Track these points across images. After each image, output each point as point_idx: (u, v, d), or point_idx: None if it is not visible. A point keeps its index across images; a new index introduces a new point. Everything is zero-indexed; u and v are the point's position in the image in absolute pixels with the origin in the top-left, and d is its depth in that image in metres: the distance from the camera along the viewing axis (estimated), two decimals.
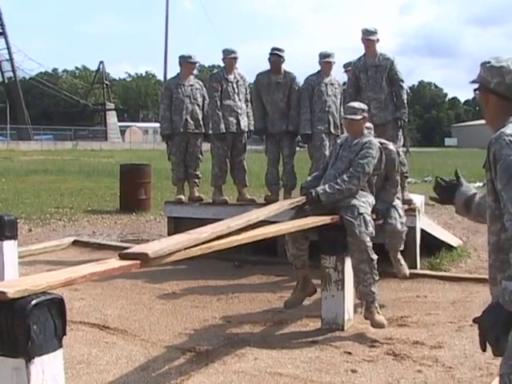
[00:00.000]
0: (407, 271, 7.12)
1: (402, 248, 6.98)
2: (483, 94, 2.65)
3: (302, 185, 6.49)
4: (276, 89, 9.07)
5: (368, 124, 6.71)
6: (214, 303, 7.02)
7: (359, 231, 5.88)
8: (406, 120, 8.65)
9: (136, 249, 3.81)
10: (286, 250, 6.29)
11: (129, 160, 26.49)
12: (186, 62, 9.63)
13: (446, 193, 3.17)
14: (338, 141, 6.64)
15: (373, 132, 6.81)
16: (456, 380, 4.75)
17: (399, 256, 7.04)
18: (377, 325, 5.97)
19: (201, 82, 9.80)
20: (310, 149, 9.11)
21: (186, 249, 3.98)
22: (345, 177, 6.13)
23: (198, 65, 9.88)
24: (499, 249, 2.43)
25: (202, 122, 9.61)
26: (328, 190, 6.06)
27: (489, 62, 2.63)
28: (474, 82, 2.67)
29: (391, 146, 7.11)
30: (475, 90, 2.69)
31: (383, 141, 7.17)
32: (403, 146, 8.66)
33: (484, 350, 2.35)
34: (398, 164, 7.16)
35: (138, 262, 3.56)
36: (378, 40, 8.51)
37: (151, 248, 3.70)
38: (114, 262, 3.51)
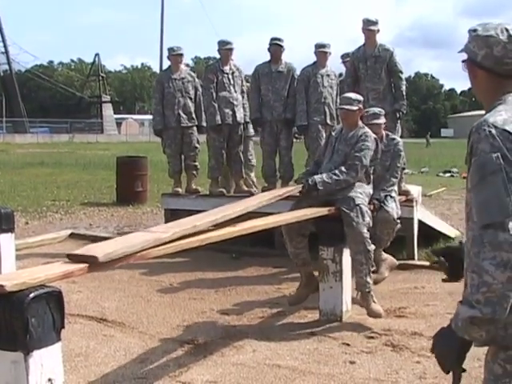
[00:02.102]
0: (394, 260, 7.05)
1: (388, 245, 6.89)
2: (470, 67, 2.24)
3: (298, 176, 6.48)
4: (278, 78, 9.02)
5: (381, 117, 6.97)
6: (212, 295, 7.02)
7: (356, 222, 5.88)
8: (405, 112, 8.66)
9: (86, 250, 3.39)
10: (285, 245, 6.28)
11: (125, 152, 26.41)
12: (170, 54, 9.65)
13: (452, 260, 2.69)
14: (333, 133, 6.60)
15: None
16: None
17: (383, 253, 6.90)
18: (373, 314, 5.98)
19: (193, 74, 9.76)
20: (307, 140, 9.10)
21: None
22: (343, 168, 6.13)
23: (183, 56, 9.76)
24: None
25: (194, 115, 9.58)
26: (325, 179, 6.06)
27: (475, 30, 2.20)
28: (461, 51, 2.26)
29: (398, 137, 7.22)
30: (463, 61, 2.28)
31: (389, 133, 7.21)
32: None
33: (447, 373, 2.15)
34: (403, 156, 7.21)
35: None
36: (378, 31, 8.53)
37: (102, 250, 3.32)
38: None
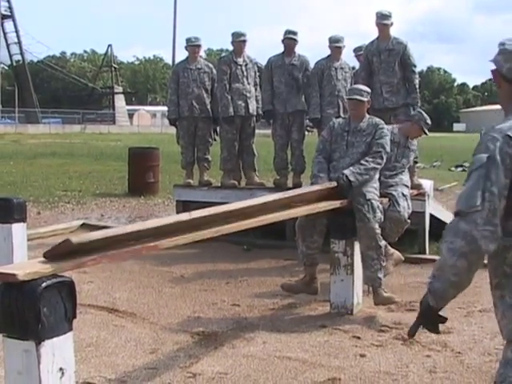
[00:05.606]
0: (400, 256, 6.93)
1: (395, 240, 6.80)
2: (496, 77, 2.42)
3: (313, 180, 6.20)
4: (292, 70, 9.01)
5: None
6: (223, 287, 7.03)
7: (368, 218, 5.86)
8: (418, 105, 8.63)
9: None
10: (296, 241, 6.25)
11: (137, 143, 26.39)
12: (188, 44, 9.63)
13: None
14: (336, 125, 6.38)
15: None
16: (465, 365, 4.74)
17: (389, 248, 6.82)
18: (387, 301, 5.99)
19: (211, 65, 9.73)
20: (320, 133, 9.07)
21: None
22: (367, 158, 6.06)
23: (201, 47, 9.78)
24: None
25: (209, 106, 9.57)
26: (354, 170, 5.93)
27: (503, 44, 2.38)
28: (491, 61, 2.44)
29: None
30: (492, 70, 2.46)
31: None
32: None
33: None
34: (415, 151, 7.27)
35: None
36: (391, 24, 8.50)
37: (76, 239, 3.19)
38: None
